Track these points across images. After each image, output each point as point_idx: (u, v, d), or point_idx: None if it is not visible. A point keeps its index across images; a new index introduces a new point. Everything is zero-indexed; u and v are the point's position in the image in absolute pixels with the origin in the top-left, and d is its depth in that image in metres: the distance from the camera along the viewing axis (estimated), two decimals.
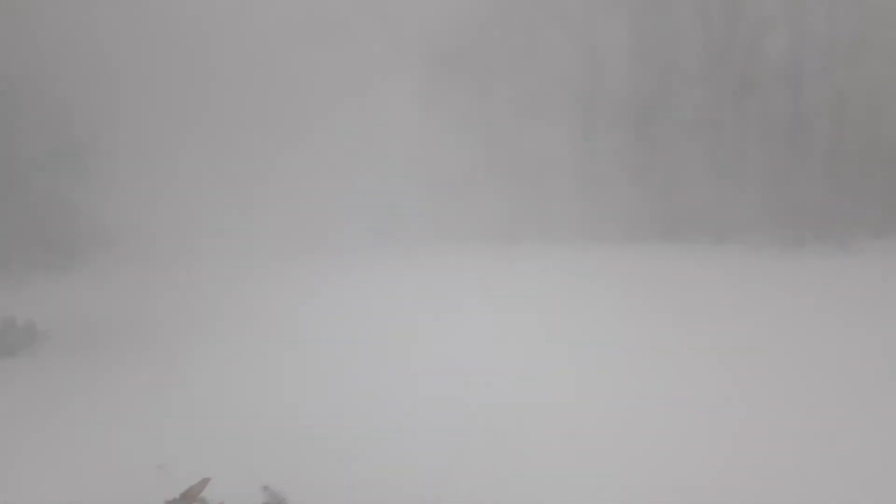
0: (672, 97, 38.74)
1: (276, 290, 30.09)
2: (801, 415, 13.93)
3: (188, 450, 13.19)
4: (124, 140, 31.75)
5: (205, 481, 11.31)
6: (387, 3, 42.04)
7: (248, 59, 41.49)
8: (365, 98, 41.92)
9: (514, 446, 12.88)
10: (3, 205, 22.63)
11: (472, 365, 17.88)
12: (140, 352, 21.54)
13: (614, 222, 38.86)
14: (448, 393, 15.70)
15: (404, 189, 40.84)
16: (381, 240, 39.50)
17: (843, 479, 11.28)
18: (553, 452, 12.54)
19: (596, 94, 40.53)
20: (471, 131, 41.50)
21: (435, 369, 17.70)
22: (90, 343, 23.43)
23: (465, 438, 13.10)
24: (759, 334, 19.73)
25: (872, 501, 10.68)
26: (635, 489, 11.14)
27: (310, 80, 41.96)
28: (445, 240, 39.08)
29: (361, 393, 16.11)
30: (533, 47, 40.13)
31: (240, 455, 12.70)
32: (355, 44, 41.94)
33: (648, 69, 39.81)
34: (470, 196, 40.20)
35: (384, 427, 13.89)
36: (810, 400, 14.70)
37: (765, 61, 37.61)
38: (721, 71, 38.37)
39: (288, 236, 38.46)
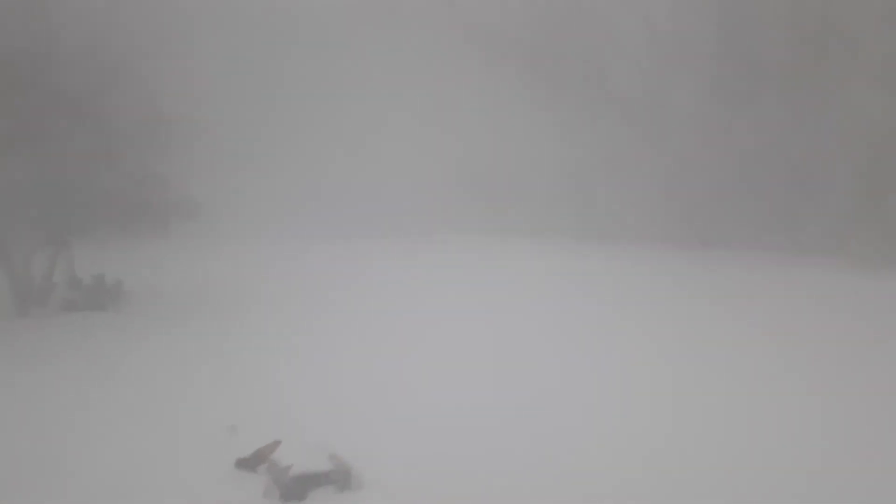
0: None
1: (345, 266, 30.57)
2: (789, 411, 13.58)
3: (259, 412, 13.55)
4: (211, 114, 32.55)
5: (275, 444, 11.62)
6: None
7: (317, 39, 41.92)
8: (426, 85, 41.68)
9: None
10: (97, 174, 23.64)
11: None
12: (216, 316, 22.20)
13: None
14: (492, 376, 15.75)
15: (461, 180, 40.59)
16: (438, 228, 39.33)
17: (837, 475, 10.84)
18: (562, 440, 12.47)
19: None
20: (535, 123, 40.74)
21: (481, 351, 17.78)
22: (171, 304, 24.28)
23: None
24: (748, 335, 18.95)
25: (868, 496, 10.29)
26: (631, 484, 10.74)
27: (373, 63, 41.99)
28: (504, 233, 38.64)
29: (422, 367, 16.29)
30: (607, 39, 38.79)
31: (308, 421, 12.99)
32: (420, 28, 41.73)
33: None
34: (532, 190, 39.71)
35: (448, 401, 13.99)
36: (800, 398, 14.33)
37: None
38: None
39: (356, 216, 38.83)
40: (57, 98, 22.28)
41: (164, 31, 30.87)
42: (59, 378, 15.65)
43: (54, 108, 22.31)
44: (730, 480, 10.79)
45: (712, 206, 35.66)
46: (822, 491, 10.48)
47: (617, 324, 20.50)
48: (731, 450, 11.96)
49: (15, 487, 10.40)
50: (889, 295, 23.93)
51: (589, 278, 27.38)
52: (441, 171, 40.79)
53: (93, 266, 25.23)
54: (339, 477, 10.77)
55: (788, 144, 33.51)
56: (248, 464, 11.25)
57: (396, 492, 10.55)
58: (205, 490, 10.53)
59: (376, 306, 22.99)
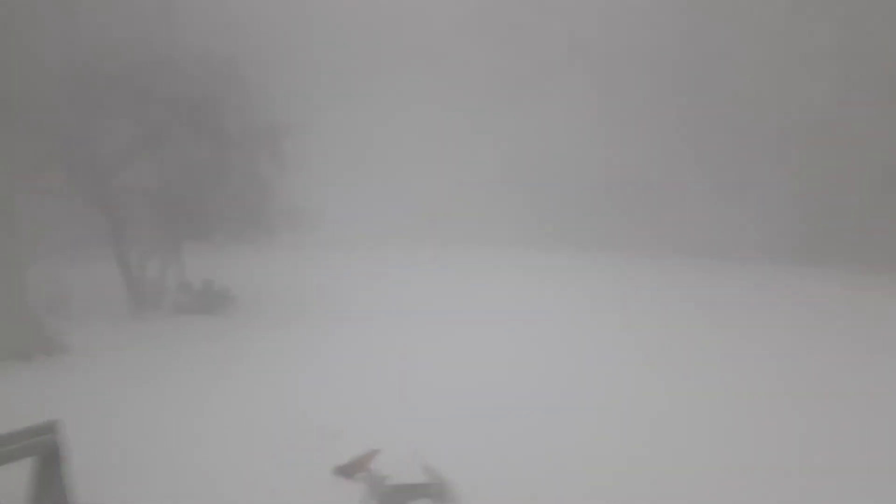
0: None
1: (445, 275, 30.48)
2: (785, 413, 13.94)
3: (358, 420, 13.47)
4: (319, 124, 33.33)
5: (374, 452, 11.44)
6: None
7: (423, 52, 42.29)
8: (537, 96, 41.30)
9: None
10: (210, 182, 24.54)
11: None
12: (319, 323, 22.46)
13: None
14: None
15: (575, 190, 39.90)
16: (546, 238, 38.76)
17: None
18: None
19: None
20: (646, 133, 39.66)
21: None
22: (275, 310, 24.78)
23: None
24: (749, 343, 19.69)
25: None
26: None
27: (482, 75, 41.99)
28: (619, 247, 37.70)
29: (523, 382, 15.82)
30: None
31: (405, 431, 12.77)
32: (528, 40, 41.40)
33: None
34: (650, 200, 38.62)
35: (548, 417, 13.50)
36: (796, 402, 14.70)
37: None
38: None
39: (460, 226, 38.76)
40: (176, 108, 23.24)
41: (277, 42, 31.78)
42: (166, 379, 16.09)
43: (173, 117, 23.29)
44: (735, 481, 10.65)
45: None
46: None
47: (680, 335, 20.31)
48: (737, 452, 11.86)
49: (120, 480, 10.64)
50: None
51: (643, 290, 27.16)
52: (539, 182, 40.47)
53: (202, 271, 26.12)
54: (435, 490, 10.48)
55: None
56: (346, 471, 11.12)
57: None
58: (304, 495, 10.47)
59: (479, 316, 22.72)
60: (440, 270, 31.71)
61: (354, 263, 33.33)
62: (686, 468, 11.46)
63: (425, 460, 11.39)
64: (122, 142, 23.05)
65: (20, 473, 8.95)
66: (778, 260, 32.79)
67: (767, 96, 36.65)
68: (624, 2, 39.77)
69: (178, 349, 18.90)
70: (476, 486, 10.71)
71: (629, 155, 39.87)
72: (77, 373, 16.26)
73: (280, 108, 25.29)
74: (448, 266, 32.76)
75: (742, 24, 37.54)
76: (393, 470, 10.86)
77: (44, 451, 8.65)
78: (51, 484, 8.69)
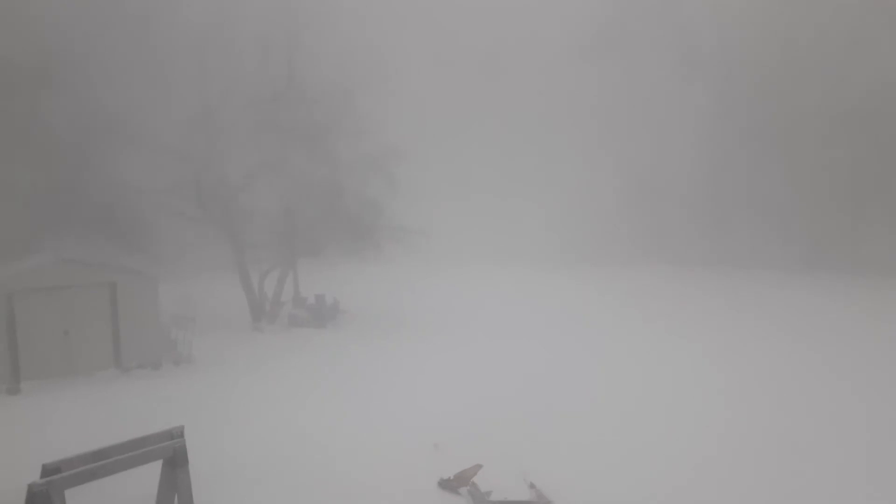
0: None
1: (551, 294, 30.06)
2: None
3: (462, 433, 13.35)
4: (425, 147, 33.91)
5: (477, 467, 11.30)
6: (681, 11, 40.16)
7: (536, 72, 42.25)
8: (654, 109, 40.50)
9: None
10: (323, 203, 25.44)
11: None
12: (425, 336, 22.60)
13: None
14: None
15: (681, 210, 38.88)
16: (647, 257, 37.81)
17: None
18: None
19: None
20: (763, 151, 38.12)
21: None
22: (383, 323, 25.15)
23: None
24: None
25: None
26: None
27: (594, 90, 41.51)
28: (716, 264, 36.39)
29: (628, 397, 15.28)
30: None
31: (509, 447, 12.55)
32: (646, 54, 40.60)
33: None
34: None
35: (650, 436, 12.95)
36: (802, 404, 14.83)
37: None
38: None
39: (555, 247, 38.36)
40: (293, 136, 24.26)
41: (391, 72, 32.62)
42: (282, 389, 16.55)
43: (291, 144, 24.29)
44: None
45: None
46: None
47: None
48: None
49: (237, 483, 10.97)
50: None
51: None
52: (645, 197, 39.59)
53: (315, 286, 26.88)
54: None
55: None
56: (450, 485, 11.03)
57: None
58: None
59: (587, 334, 22.24)
60: (545, 289, 31.36)
61: (460, 280, 33.46)
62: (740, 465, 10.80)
63: (529, 478, 11.17)
64: (245, 168, 24.20)
65: (149, 474, 9.39)
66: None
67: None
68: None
69: (293, 360, 19.46)
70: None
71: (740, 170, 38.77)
72: (201, 381, 17.00)
73: (391, 134, 25.88)
74: (553, 285, 32.36)
75: (858, 37, 35.84)
76: (496, 485, 10.70)
77: (171, 455, 9.06)
78: (176, 485, 9.07)
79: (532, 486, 10.82)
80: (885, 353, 19.07)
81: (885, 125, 34.98)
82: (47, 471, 8.07)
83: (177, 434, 9.23)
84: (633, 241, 38.88)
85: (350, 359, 19.62)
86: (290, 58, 25.22)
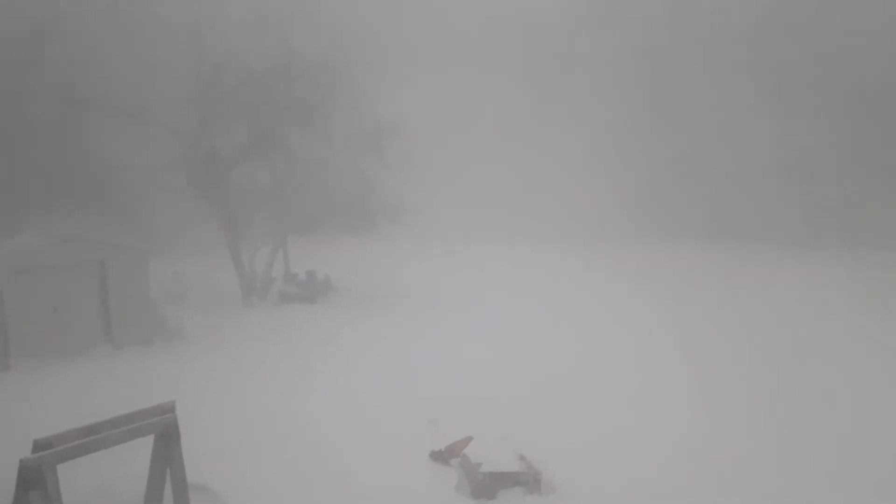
0: None
1: (542, 271, 30.09)
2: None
3: (454, 407, 13.44)
4: (420, 124, 33.70)
5: (468, 439, 11.40)
6: None
7: (533, 47, 41.98)
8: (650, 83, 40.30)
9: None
10: (316, 179, 25.33)
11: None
12: (416, 313, 22.65)
13: None
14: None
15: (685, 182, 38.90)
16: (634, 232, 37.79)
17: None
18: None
19: None
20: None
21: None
22: (375, 299, 25.16)
23: None
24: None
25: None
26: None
27: (591, 64, 41.29)
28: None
29: (621, 375, 15.41)
30: None
31: (499, 420, 12.67)
32: (635, 26, 40.35)
33: None
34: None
35: (640, 410, 13.10)
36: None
37: None
38: None
39: (555, 226, 38.33)
40: (287, 111, 24.04)
41: (385, 48, 32.33)
42: (273, 363, 16.62)
43: (287, 117, 24.09)
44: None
45: None
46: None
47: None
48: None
49: (229, 457, 11.06)
50: None
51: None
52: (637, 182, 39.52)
53: (306, 262, 26.86)
54: (529, 479, 10.36)
55: None
56: (441, 457, 11.16)
57: (584, 499, 10.00)
58: (402, 477, 10.58)
59: (578, 311, 22.34)
60: (537, 266, 31.40)
61: (453, 257, 33.48)
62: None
63: (519, 449, 11.31)
64: (237, 143, 24.03)
65: (141, 449, 9.46)
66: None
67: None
68: None
69: (284, 335, 19.51)
70: (568, 476, 10.54)
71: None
72: (193, 357, 17.04)
73: (386, 111, 25.70)
74: (545, 262, 32.39)
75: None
76: (487, 457, 10.83)
77: (163, 430, 9.12)
78: (168, 460, 9.14)
79: (522, 457, 10.96)
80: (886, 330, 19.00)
81: (883, 101, 35.01)
82: (39, 446, 8.12)
83: (168, 409, 9.29)
84: (634, 218, 38.70)
85: (341, 334, 19.69)
86: (284, 32, 24.92)
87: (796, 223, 35.02)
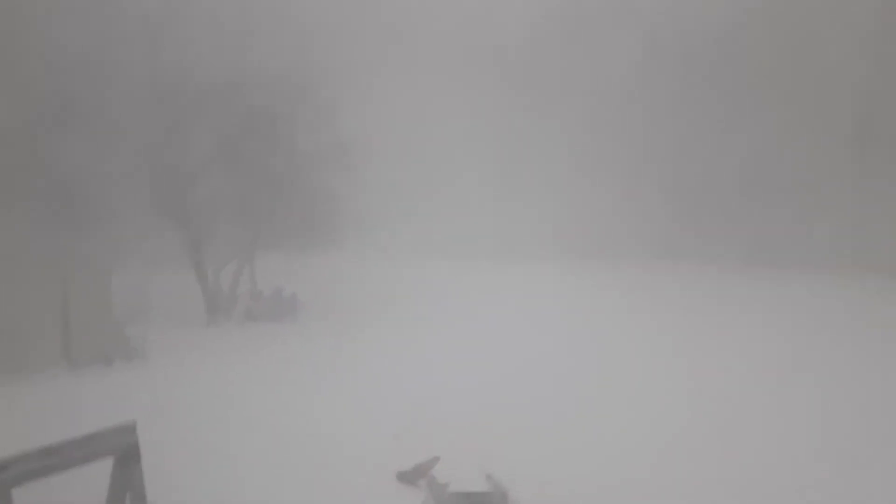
0: None
1: (499, 286, 30.31)
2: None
3: (420, 424, 13.39)
4: (383, 139, 33.77)
5: (434, 460, 11.35)
6: None
7: (502, 60, 42.26)
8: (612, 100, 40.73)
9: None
10: (279, 193, 25.20)
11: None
12: (383, 329, 22.59)
13: None
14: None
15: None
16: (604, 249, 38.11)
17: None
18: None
19: None
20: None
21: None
22: (342, 315, 25.02)
23: None
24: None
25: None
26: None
27: (563, 74, 41.68)
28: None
29: (583, 391, 15.51)
30: None
31: (466, 438, 12.66)
32: (600, 44, 40.90)
33: None
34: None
35: (609, 427, 13.19)
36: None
37: None
38: None
39: (526, 239, 38.55)
40: (250, 124, 23.89)
41: (351, 63, 32.27)
42: (238, 383, 16.41)
43: (247, 133, 23.94)
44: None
45: None
46: None
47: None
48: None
49: (192, 480, 10.85)
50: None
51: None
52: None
53: (272, 279, 26.66)
54: (497, 499, 10.32)
55: None
56: (408, 477, 11.08)
57: None
58: (368, 498, 10.46)
59: (542, 327, 22.49)
60: (505, 281, 31.55)
61: (420, 273, 33.47)
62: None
63: (487, 468, 11.28)
64: (200, 156, 23.78)
65: (100, 472, 9.23)
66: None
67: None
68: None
69: (249, 354, 19.29)
70: (536, 496, 10.55)
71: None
72: (154, 377, 16.75)
73: (351, 125, 25.72)
74: (521, 277, 32.56)
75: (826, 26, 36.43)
76: (454, 477, 10.78)
77: (122, 451, 8.90)
78: (128, 482, 8.92)
79: (489, 476, 10.92)
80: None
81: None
82: None
83: (129, 430, 9.07)
84: (615, 234, 38.83)
85: (308, 352, 19.54)
86: (246, 44, 24.82)
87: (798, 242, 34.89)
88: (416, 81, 41.44)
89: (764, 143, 37.40)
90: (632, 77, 39.84)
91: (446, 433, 12.80)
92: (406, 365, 17.96)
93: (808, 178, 35.89)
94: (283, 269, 27.84)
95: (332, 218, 25.25)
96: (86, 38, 23.28)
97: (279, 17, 26.74)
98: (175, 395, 15.23)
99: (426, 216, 39.13)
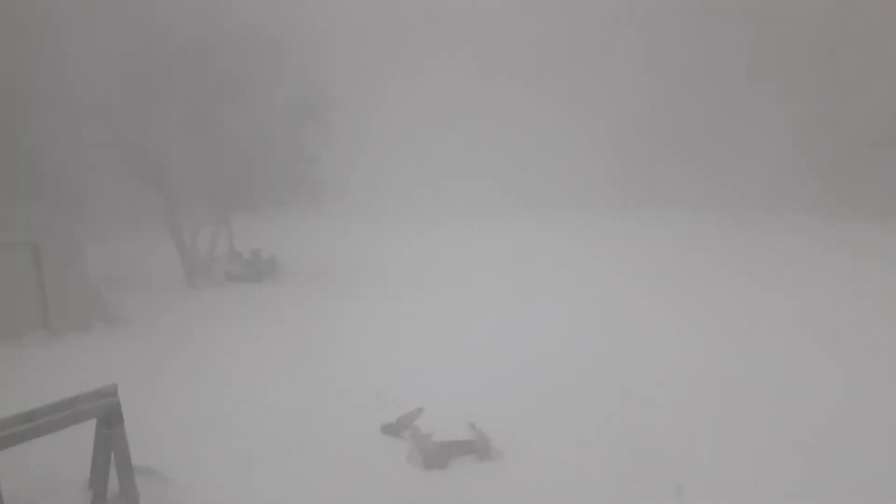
0: None
1: (478, 245, 30.30)
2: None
3: (403, 379, 13.53)
4: (361, 98, 33.27)
5: (418, 410, 11.49)
6: None
7: (462, 29, 41.70)
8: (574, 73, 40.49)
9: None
10: (256, 155, 24.81)
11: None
12: (362, 288, 22.56)
13: None
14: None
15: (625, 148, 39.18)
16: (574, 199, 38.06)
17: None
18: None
19: None
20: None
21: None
22: (321, 276, 24.97)
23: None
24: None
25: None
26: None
27: (517, 53, 41.32)
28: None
29: (560, 342, 15.68)
30: None
31: (449, 391, 12.78)
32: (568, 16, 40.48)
33: None
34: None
35: (584, 378, 13.37)
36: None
37: None
38: None
39: (508, 194, 38.48)
40: (223, 83, 23.35)
41: (325, 20, 31.52)
42: (218, 344, 16.35)
43: (221, 94, 23.42)
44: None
45: None
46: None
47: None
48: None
49: (173, 441, 10.90)
50: None
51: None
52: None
53: (250, 241, 26.43)
54: (480, 447, 10.50)
55: None
56: (392, 429, 11.20)
57: (534, 463, 10.18)
58: (353, 451, 10.58)
59: (517, 281, 22.58)
60: (482, 239, 31.57)
61: (398, 233, 33.40)
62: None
63: (469, 418, 11.42)
64: (173, 121, 23.29)
65: (83, 434, 9.22)
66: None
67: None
68: None
69: (228, 315, 19.21)
70: (518, 443, 10.72)
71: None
72: (134, 340, 16.64)
73: (323, 83, 25.26)
74: (490, 234, 32.57)
75: None
76: (437, 427, 10.91)
77: (105, 413, 8.89)
78: (112, 444, 8.93)
79: (472, 426, 11.07)
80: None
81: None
82: None
83: (110, 392, 9.04)
84: (600, 185, 38.77)
85: (288, 312, 19.48)
86: (215, 2, 24.14)
87: (791, 190, 34.71)
88: (396, 39, 40.81)
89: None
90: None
91: (429, 387, 12.92)
92: (386, 325, 18.01)
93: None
94: (263, 231, 27.61)
95: (310, 178, 24.94)
96: (56, 7, 22.59)
97: None
98: (156, 357, 15.16)
99: (408, 176, 38.91)
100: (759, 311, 18.14)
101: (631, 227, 32.85)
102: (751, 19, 36.68)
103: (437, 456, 10.26)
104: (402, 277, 23.99)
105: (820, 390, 12.59)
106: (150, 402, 11.90)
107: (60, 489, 9.35)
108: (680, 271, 23.36)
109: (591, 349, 15.33)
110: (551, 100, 40.42)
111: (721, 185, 36.43)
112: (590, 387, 13.06)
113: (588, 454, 10.48)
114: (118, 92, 22.35)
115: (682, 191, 37.26)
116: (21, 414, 8.31)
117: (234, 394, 12.93)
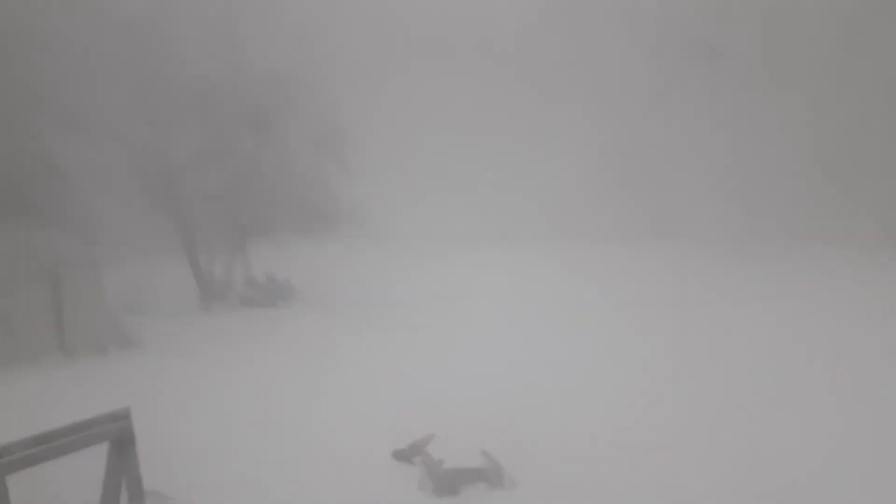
0: None
1: (490, 272, 30.24)
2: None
3: (415, 405, 13.46)
4: (378, 130, 33.62)
5: (430, 436, 11.39)
6: None
7: (493, 58, 42.17)
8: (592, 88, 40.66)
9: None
10: (274, 182, 25.11)
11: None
12: (376, 314, 22.60)
13: None
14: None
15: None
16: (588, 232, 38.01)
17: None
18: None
19: None
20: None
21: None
22: (337, 301, 25.02)
23: None
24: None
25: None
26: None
27: (533, 73, 41.60)
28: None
29: (574, 372, 15.56)
30: None
31: (461, 417, 12.70)
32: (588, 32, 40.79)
33: None
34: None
35: (602, 407, 13.24)
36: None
37: None
38: None
39: (525, 224, 38.46)
40: (241, 118, 23.76)
41: (344, 55, 32.02)
42: (233, 369, 16.40)
43: (239, 126, 23.80)
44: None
45: None
46: None
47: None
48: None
49: (187, 465, 10.88)
50: None
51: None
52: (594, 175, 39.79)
53: (266, 266, 26.58)
54: (492, 475, 10.39)
55: None
56: (404, 455, 11.12)
57: (548, 493, 10.05)
58: (364, 477, 10.50)
59: (531, 311, 22.48)
60: (499, 268, 31.52)
61: (412, 259, 33.44)
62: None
63: (481, 445, 11.32)
64: (191, 150, 23.64)
65: (95, 458, 9.22)
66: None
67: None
68: None
69: (243, 340, 19.28)
70: (530, 471, 10.60)
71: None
72: (149, 364, 16.72)
73: (343, 115, 25.58)
74: (506, 263, 32.52)
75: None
76: (449, 454, 10.82)
77: (117, 436, 8.89)
78: (124, 467, 8.92)
79: (484, 453, 10.97)
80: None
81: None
82: None
83: (123, 416, 9.05)
84: (612, 218, 38.59)
85: (302, 337, 19.52)
86: (236, 38, 24.63)
87: (792, 220, 34.42)
88: (410, 69, 41.27)
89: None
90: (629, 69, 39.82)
91: (442, 412, 12.84)
92: (401, 351, 17.97)
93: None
94: (278, 257, 27.78)
95: (326, 206, 25.13)
96: (78, 36, 23.10)
97: (268, 11, 26.53)
98: (170, 380, 15.22)
99: (423, 204, 39.06)
100: (776, 345, 17.91)
101: (640, 256, 32.76)
102: (758, 55, 36.87)
103: (448, 483, 10.16)
104: (418, 303, 23.99)
105: (822, 422, 12.41)
106: (163, 426, 11.90)
107: None
108: (693, 303, 23.18)
109: (608, 378, 15.20)
110: (567, 122, 40.53)
111: (729, 215, 36.38)
112: (607, 416, 12.92)
113: (604, 484, 10.33)
114: (138, 119, 22.76)
115: (686, 220, 37.18)
116: (33, 436, 8.34)
117: (247, 418, 12.92)
